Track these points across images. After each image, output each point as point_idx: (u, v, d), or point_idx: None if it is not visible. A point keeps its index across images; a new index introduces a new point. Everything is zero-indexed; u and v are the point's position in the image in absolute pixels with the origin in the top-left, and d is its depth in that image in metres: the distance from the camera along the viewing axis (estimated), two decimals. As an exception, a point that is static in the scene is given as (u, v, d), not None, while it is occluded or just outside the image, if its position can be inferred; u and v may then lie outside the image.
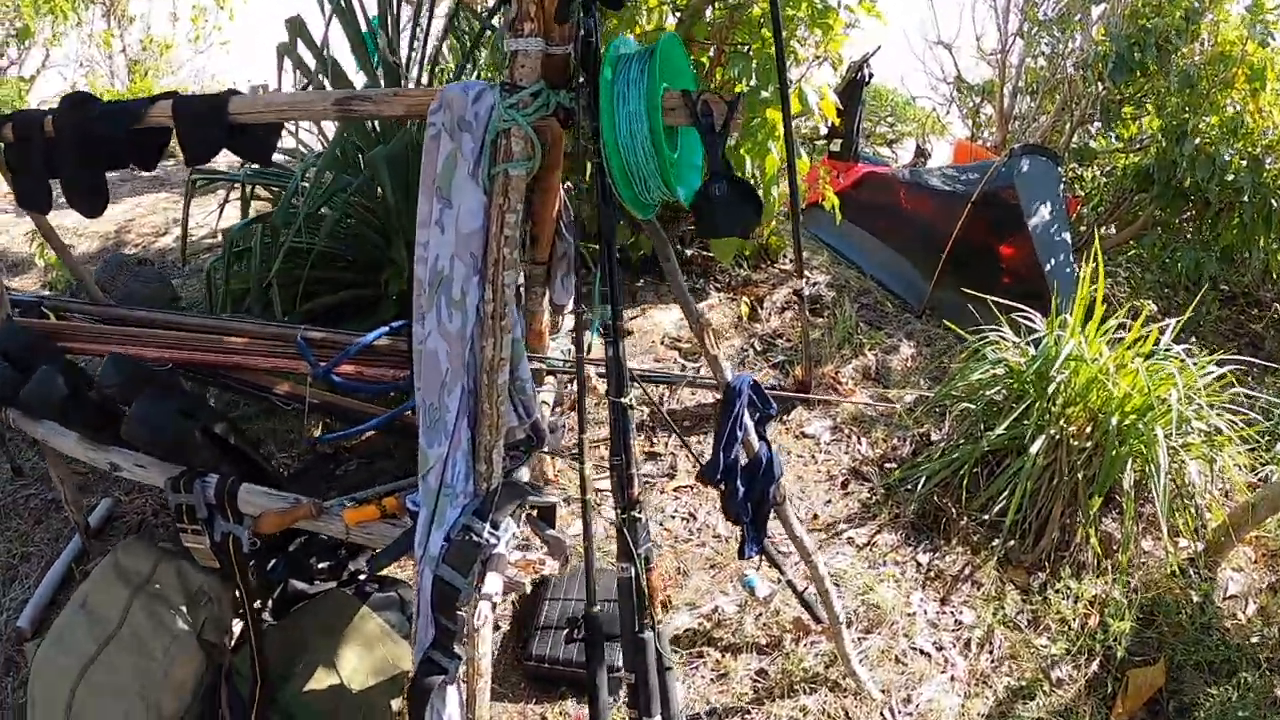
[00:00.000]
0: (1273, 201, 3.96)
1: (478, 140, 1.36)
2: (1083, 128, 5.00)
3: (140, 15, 7.87)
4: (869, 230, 4.38)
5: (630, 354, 3.27)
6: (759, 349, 3.44)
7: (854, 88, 4.76)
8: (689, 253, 3.92)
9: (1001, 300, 2.87)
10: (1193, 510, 2.52)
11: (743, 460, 1.70)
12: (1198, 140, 3.95)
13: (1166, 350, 2.56)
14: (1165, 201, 4.36)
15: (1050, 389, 2.46)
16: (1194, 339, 5.15)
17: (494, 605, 1.45)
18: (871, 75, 4.82)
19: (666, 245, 1.68)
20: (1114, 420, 2.39)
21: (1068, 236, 3.66)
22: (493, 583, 1.39)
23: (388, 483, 1.69)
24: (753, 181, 3.20)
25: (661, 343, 3.55)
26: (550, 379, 2.21)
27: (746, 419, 1.69)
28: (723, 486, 1.68)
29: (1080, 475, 2.43)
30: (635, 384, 1.88)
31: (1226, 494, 2.83)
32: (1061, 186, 3.82)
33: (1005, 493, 2.45)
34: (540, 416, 1.61)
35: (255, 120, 1.64)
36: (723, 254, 3.74)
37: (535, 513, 1.64)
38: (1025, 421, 2.49)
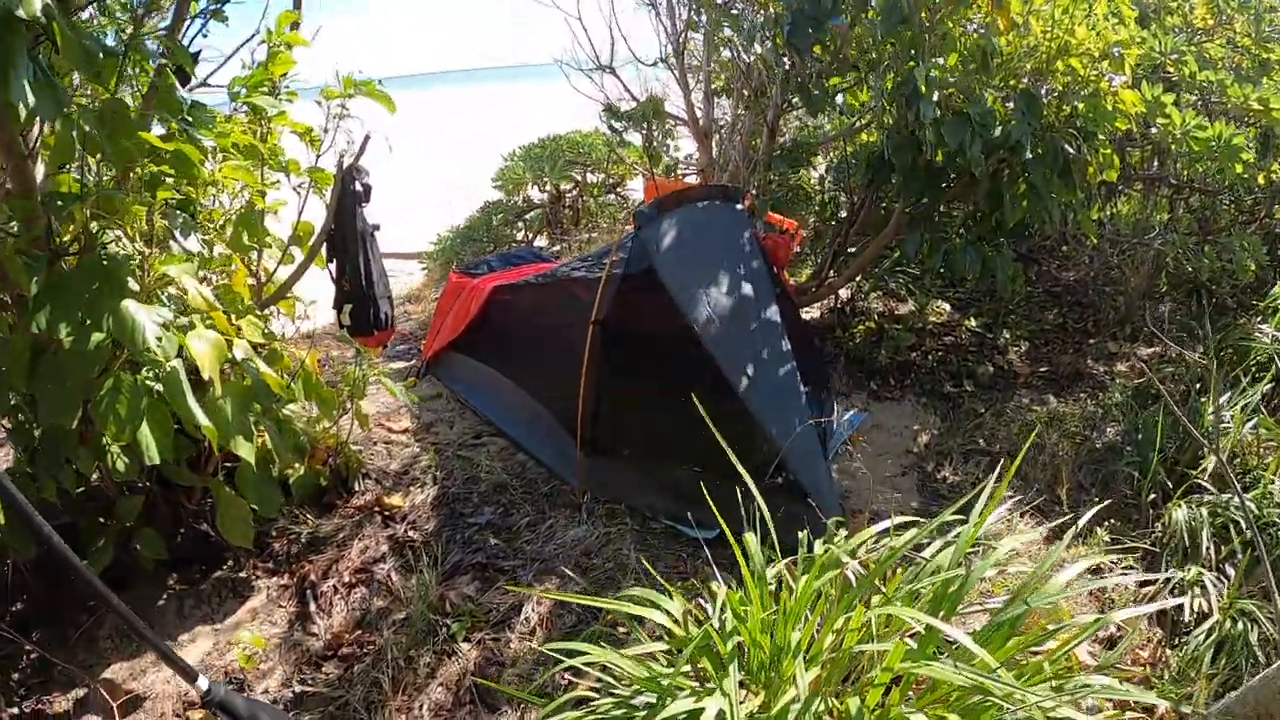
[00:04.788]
0: (1066, 146, 2.70)
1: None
2: (784, 120, 3.70)
3: None
4: (507, 372, 2.79)
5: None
6: (295, 698, 1.77)
7: (346, 217, 2.82)
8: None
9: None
10: None
11: None
12: (935, 96, 2.63)
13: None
14: (915, 191, 3.05)
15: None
16: (1006, 332, 3.97)
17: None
18: (369, 187, 2.87)
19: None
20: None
21: (774, 314, 2.21)
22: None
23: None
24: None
25: (175, 714, 1.87)
26: None
27: None
28: None
29: None
30: None
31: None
32: (748, 235, 2.38)
33: None
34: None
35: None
36: (234, 534, 2.10)
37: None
38: None
